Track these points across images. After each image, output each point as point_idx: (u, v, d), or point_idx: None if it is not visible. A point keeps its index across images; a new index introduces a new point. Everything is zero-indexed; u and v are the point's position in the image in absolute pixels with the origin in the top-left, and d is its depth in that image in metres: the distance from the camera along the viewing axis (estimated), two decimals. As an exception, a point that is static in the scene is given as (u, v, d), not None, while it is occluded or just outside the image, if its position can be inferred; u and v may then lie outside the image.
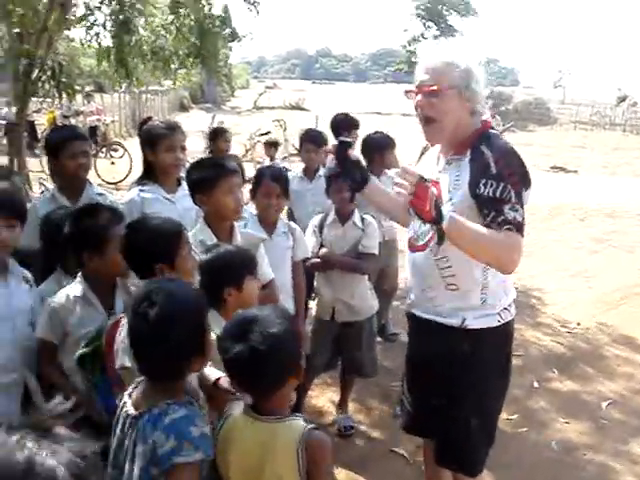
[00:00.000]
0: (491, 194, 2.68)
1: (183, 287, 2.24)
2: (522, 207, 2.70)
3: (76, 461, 1.14)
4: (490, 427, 3.11)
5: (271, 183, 4.01)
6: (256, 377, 2.15)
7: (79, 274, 3.07)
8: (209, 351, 2.20)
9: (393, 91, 49.92)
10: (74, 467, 1.12)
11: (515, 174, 2.73)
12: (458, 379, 2.96)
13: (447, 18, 42.10)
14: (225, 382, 2.40)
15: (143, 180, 4.09)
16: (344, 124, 6.34)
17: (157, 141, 3.97)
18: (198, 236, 3.32)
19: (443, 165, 2.96)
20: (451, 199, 2.82)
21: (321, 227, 4.44)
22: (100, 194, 4.13)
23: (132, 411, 2.12)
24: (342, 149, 3.14)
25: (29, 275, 3.23)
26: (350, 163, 3.16)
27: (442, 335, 2.98)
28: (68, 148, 3.93)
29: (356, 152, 3.18)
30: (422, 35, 41.32)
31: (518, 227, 2.68)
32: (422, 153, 3.26)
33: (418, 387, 3.24)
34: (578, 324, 6.93)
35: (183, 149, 4.06)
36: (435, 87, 2.81)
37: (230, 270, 2.78)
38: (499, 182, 2.67)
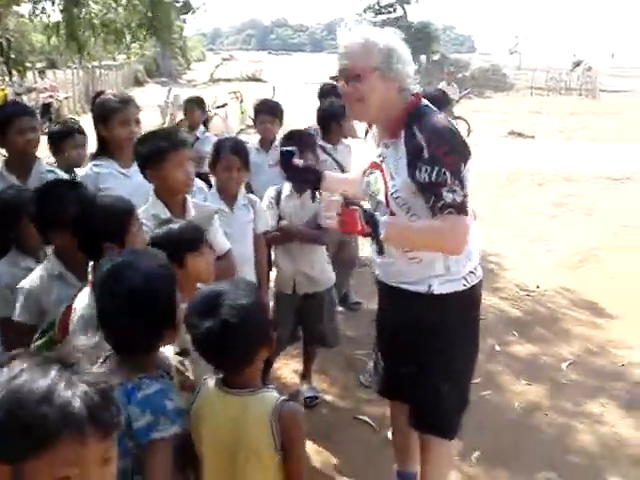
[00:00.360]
0: (427, 179, 2.69)
1: (149, 260, 2.20)
2: (462, 184, 2.71)
3: (91, 395, 1.24)
4: (461, 391, 3.16)
5: (231, 156, 3.96)
6: (228, 350, 2.13)
7: (50, 252, 3.04)
8: (180, 323, 2.18)
9: (350, 60, 49.56)
10: (89, 400, 1.23)
11: (449, 153, 2.72)
12: (426, 345, 2.99)
13: (402, -15, 41.84)
14: (175, 361, 2.38)
15: (97, 155, 4.03)
16: (332, 93, 6.27)
17: (110, 115, 3.89)
18: (150, 210, 3.26)
19: (382, 149, 2.95)
20: (394, 186, 2.83)
21: (277, 199, 4.39)
22: (50, 171, 4.08)
23: None
24: (286, 159, 3.26)
25: None
26: (298, 171, 3.27)
27: (409, 302, 3.00)
28: (15, 124, 3.88)
29: (298, 160, 3.29)
30: (378, 3, 41.08)
31: (459, 207, 2.70)
32: (367, 131, 3.28)
33: (388, 353, 3.27)
34: (537, 287, 7.01)
35: (137, 122, 3.99)
36: (356, 72, 2.80)
37: (167, 249, 2.72)
38: (433, 166, 2.67)
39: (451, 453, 3.31)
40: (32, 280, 2.97)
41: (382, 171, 2.91)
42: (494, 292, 6.84)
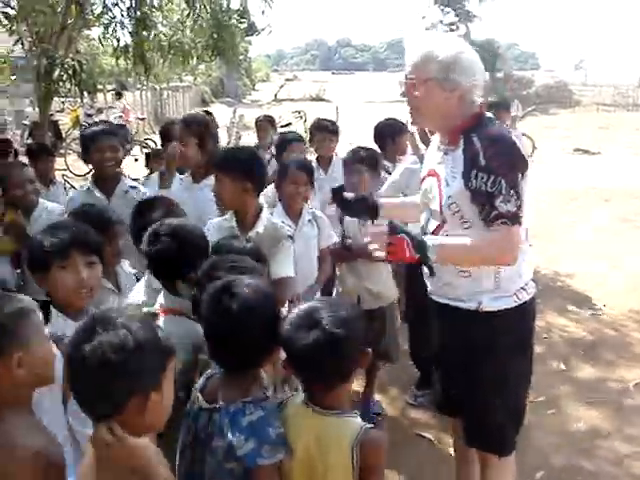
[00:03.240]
0: (482, 187, 2.70)
1: (257, 281, 2.29)
2: (517, 194, 2.71)
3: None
4: (515, 407, 3.11)
5: (298, 172, 4.07)
6: (332, 362, 2.10)
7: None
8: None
9: (413, 79, 49.44)
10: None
11: (504, 164, 2.73)
12: (477, 363, 2.96)
13: (464, 3, 41.64)
14: None
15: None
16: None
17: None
18: (223, 220, 3.56)
19: (441, 156, 2.98)
20: (449, 192, 2.85)
21: (342, 216, 4.42)
22: (133, 187, 4.39)
23: (205, 404, 2.15)
24: (337, 197, 3.46)
25: None
26: (351, 204, 3.42)
27: (460, 319, 2.99)
28: (97, 142, 4.21)
29: (349, 194, 3.46)
30: (440, 21, 40.94)
31: (512, 218, 2.71)
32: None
33: (443, 369, 3.26)
34: (604, 306, 6.90)
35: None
36: (414, 80, 2.91)
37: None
38: (489, 174, 2.69)
39: (512, 470, 3.27)
40: (137, 293, 3.06)
41: (438, 178, 2.94)
42: (560, 311, 6.76)
